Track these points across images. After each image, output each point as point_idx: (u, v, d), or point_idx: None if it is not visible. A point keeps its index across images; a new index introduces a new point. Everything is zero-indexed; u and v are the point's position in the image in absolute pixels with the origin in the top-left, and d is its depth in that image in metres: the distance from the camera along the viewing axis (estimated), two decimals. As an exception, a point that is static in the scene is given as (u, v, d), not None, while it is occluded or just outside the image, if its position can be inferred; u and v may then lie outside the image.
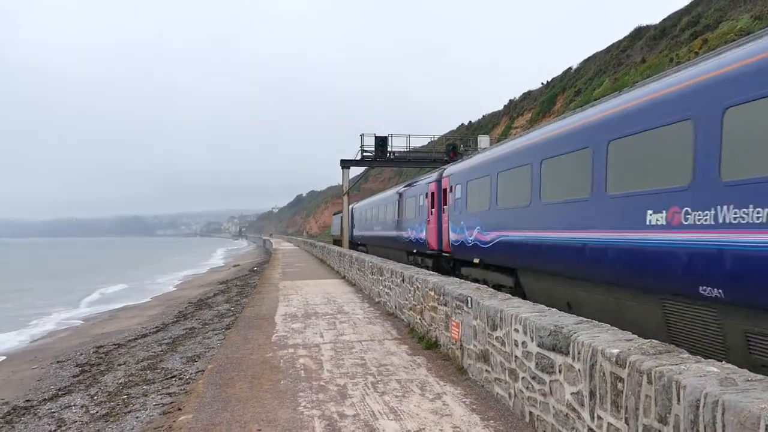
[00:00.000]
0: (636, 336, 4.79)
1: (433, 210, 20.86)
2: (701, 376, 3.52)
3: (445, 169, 20.92)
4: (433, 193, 21.00)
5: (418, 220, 23.13)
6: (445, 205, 19.32)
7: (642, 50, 41.93)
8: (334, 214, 68.00)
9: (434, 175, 21.65)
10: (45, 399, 11.66)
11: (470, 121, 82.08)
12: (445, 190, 19.60)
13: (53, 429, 9.25)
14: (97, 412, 9.59)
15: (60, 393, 11.99)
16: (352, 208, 42.68)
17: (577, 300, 10.42)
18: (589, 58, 54.26)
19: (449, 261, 19.23)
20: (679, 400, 3.48)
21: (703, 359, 3.91)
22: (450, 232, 18.33)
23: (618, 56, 46.07)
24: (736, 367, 3.67)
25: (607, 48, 51.21)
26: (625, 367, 4.12)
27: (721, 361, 3.84)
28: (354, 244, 41.18)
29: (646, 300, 8.35)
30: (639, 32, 46.12)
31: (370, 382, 7.64)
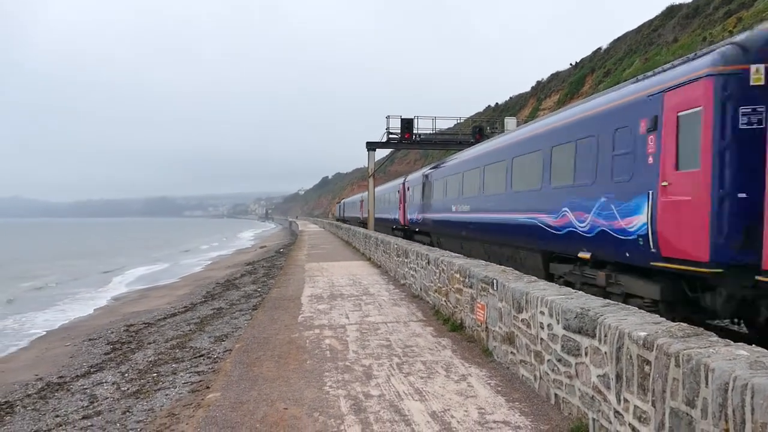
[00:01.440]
0: (663, 319, 4.74)
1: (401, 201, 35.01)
2: (730, 359, 3.47)
3: (406, 178, 35.23)
4: (399, 191, 35.72)
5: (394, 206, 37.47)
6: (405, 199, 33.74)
7: (674, 29, 40.94)
8: (337, 203, 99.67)
9: (401, 180, 36.81)
10: (77, 375, 11.95)
11: (497, 103, 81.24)
12: (406, 190, 34.11)
13: (86, 405, 9.48)
14: (128, 389, 9.81)
15: (92, 370, 12.28)
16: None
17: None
18: (619, 38, 53.18)
19: (408, 231, 33.16)
20: (707, 383, 3.45)
21: (732, 342, 3.87)
22: (407, 214, 32.72)
23: (649, 36, 45.09)
24: (766, 351, 3.62)
25: (638, 27, 50.10)
26: (652, 350, 4.08)
27: (751, 345, 3.78)
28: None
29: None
30: (671, 11, 45.02)
31: (395, 363, 7.68)
